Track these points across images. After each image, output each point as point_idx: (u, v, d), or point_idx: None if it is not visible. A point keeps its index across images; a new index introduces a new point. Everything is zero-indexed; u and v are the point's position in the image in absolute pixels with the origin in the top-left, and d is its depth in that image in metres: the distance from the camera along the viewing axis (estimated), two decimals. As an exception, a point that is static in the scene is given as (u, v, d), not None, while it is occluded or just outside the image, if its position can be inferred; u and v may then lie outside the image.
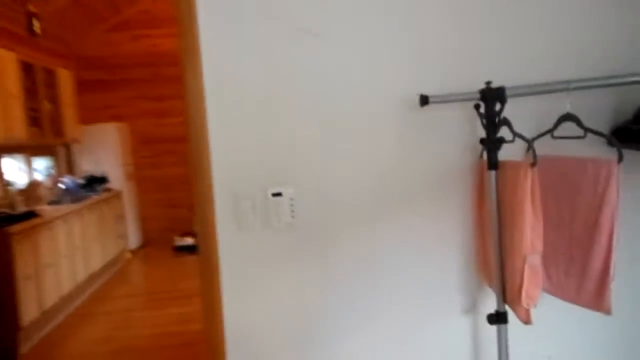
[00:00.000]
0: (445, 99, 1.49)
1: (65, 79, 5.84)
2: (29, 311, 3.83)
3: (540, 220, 1.41)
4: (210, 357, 1.70)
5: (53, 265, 4.29)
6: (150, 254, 6.31)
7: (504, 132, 1.56)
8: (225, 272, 1.67)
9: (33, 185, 5.22)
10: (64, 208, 4.72)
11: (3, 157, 4.80)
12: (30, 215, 4.15)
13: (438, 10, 1.65)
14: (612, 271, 1.39)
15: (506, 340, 1.57)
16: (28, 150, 5.30)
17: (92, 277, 5.16)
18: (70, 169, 6.26)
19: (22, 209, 4.47)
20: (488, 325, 1.70)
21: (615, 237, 1.38)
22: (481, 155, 1.72)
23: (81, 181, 5.66)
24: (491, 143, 1.51)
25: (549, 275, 1.60)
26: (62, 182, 5.48)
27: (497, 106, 1.49)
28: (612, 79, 1.45)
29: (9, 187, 4.76)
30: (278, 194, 1.65)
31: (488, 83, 1.48)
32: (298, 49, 1.63)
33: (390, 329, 1.76)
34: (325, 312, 1.73)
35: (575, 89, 1.44)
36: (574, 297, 1.50)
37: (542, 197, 1.54)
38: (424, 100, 1.48)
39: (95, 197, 5.45)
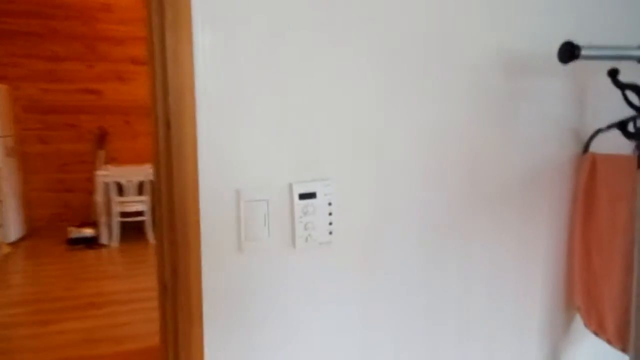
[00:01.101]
0: (605, 54, 0.95)
1: None
2: None
3: None
4: None
5: None
6: (37, 248, 5.16)
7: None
8: (211, 317, 1.00)
9: None
10: None
11: None
12: None
13: None
14: None
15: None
16: None
17: (-44, 279, 3.98)
18: None
19: None
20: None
21: None
22: (586, 148, 1.23)
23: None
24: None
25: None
26: None
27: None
28: None
29: None
30: (309, 196, 1.01)
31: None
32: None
33: (450, 395, 1.21)
34: (364, 377, 1.13)
35: None
36: None
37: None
38: (570, 52, 0.92)
39: (-38, 176, 4.23)
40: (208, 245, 0.98)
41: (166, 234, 0.98)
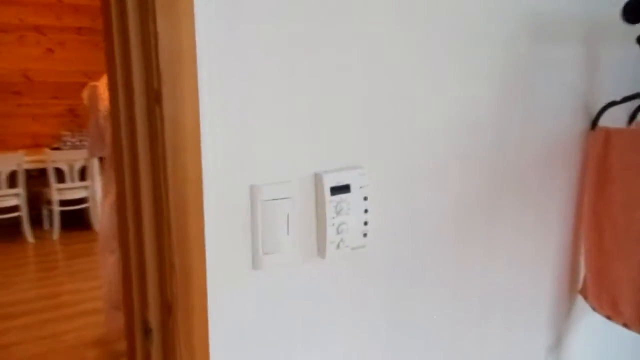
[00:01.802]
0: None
1: None
2: None
3: None
4: None
5: None
6: None
7: None
8: (219, 349, 0.73)
9: None
10: None
11: None
12: None
13: None
14: None
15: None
16: None
17: None
18: None
19: None
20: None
21: None
22: (595, 122, 1.15)
23: None
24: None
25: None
26: None
27: None
28: None
29: None
30: (342, 189, 0.78)
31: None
32: None
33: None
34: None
35: None
36: None
37: None
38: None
39: None
40: (214, 266, 0.70)
41: (151, 252, 0.68)
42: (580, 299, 1.25)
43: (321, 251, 0.79)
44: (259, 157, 0.72)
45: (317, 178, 0.77)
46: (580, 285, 1.24)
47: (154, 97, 0.62)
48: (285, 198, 0.74)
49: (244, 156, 0.71)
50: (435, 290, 0.96)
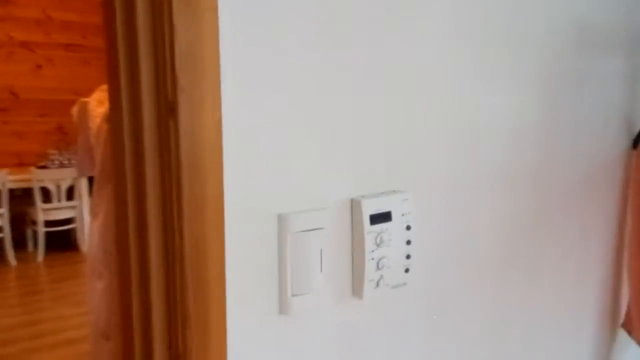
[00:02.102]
0: None
1: None
2: None
3: None
4: None
5: None
6: None
7: None
8: None
9: None
10: None
11: None
12: None
13: None
14: None
15: None
16: None
17: None
18: None
19: None
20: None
21: None
22: (637, 142, 1.06)
23: None
24: None
25: None
26: None
27: None
28: None
29: None
30: (383, 217, 0.66)
31: None
32: None
33: None
34: None
35: None
36: None
37: None
38: None
39: None
40: (235, 313, 0.58)
41: (158, 298, 0.56)
42: (623, 333, 1.14)
43: (357, 291, 0.67)
44: (288, 181, 0.60)
45: (355, 205, 0.65)
46: (622, 318, 1.13)
47: (168, 108, 0.51)
48: (318, 229, 0.62)
49: (271, 180, 0.59)
50: (475, 324, 0.84)
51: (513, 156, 0.84)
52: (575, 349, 1.07)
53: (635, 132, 1.06)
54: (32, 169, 4.20)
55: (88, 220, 3.55)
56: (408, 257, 0.69)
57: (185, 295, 0.53)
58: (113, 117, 0.56)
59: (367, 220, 0.65)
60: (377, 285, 0.67)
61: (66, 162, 4.40)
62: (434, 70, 0.71)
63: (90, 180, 3.10)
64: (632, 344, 1.10)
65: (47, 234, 4.24)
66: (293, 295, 0.61)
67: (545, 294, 0.97)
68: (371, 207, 0.65)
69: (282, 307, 0.61)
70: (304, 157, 0.61)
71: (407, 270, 0.69)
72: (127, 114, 0.55)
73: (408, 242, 0.69)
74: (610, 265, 1.09)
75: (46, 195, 4.16)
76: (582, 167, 0.96)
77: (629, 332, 1.11)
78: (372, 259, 0.66)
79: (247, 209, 0.58)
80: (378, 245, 0.66)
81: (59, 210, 4.23)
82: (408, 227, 0.68)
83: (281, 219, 0.60)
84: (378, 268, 0.66)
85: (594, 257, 1.06)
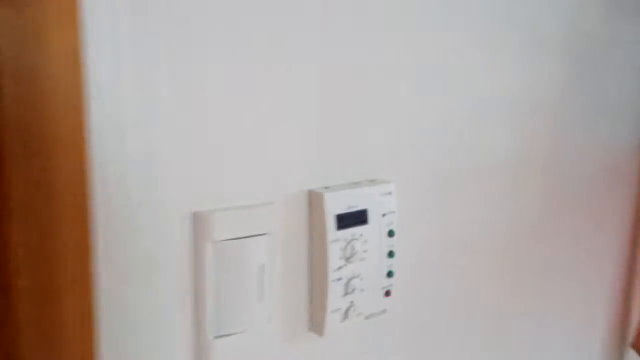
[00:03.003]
0: None
1: None
2: None
3: None
4: None
5: None
6: None
7: None
8: None
9: None
10: None
11: None
12: None
13: None
14: None
15: None
16: None
17: None
18: None
19: None
20: None
21: None
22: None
23: None
24: None
25: None
26: None
27: None
28: None
29: None
30: (355, 218, 0.45)
31: None
32: None
33: None
34: None
35: None
36: None
37: None
38: None
39: None
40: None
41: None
42: (632, 353, 0.97)
43: (317, 325, 0.46)
44: (210, 160, 0.39)
45: (315, 199, 0.44)
46: (632, 337, 0.97)
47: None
48: (257, 235, 0.41)
49: (179, 159, 0.37)
50: (474, 351, 0.64)
51: (521, 141, 0.64)
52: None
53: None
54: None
55: None
56: (390, 274, 0.48)
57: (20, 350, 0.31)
58: None
59: (331, 222, 0.43)
60: (346, 316, 0.46)
61: None
62: (424, 27, 0.51)
63: None
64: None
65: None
66: (216, 337, 0.40)
67: (551, 310, 0.78)
68: (338, 203, 0.44)
69: (200, 356, 0.40)
70: (237, 125, 0.40)
71: (387, 294, 0.49)
72: None
73: (390, 254, 0.48)
74: (621, 277, 0.92)
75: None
76: (597, 161, 0.78)
77: (639, 352, 0.95)
78: (339, 279, 0.45)
79: (137, 204, 0.36)
80: (348, 259, 0.45)
81: None
82: (391, 233, 0.48)
83: (198, 221, 0.38)
84: (347, 292, 0.45)
85: (603, 271, 0.88)
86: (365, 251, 0.46)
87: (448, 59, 0.54)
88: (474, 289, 0.62)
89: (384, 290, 0.49)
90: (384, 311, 0.49)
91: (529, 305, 0.73)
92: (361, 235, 0.46)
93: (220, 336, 0.40)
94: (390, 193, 0.47)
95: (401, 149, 0.51)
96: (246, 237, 0.40)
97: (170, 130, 0.37)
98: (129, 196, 0.35)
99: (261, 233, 0.41)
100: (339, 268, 0.45)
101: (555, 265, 0.77)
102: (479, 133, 0.59)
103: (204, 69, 0.38)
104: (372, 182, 0.48)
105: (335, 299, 0.45)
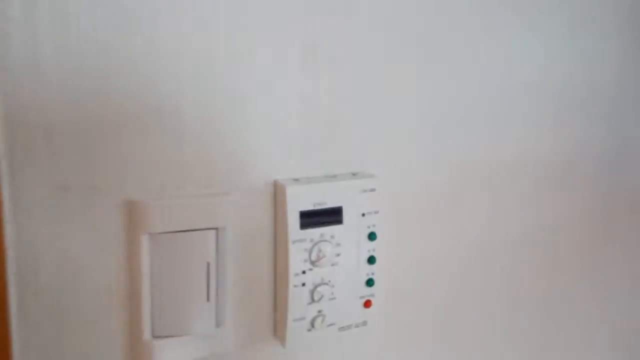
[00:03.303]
0: None
1: None
2: None
3: None
4: None
5: None
6: None
7: None
8: None
9: None
10: None
11: None
12: None
13: None
14: None
15: None
16: None
17: None
18: None
19: None
20: None
21: None
22: None
23: None
24: None
25: None
26: None
27: None
28: None
29: None
30: (326, 217, 0.39)
31: None
32: None
33: None
34: None
35: None
36: None
37: None
38: None
39: None
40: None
41: None
42: None
43: (280, 334, 0.41)
44: (151, 141, 0.35)
45: (279, 192, 0.39)
46: None
47: None
48: (204, 229, 0.36)
49: (115, 134, 0.33)
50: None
51: (563, 124, 0.54)
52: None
53: None
54: None
55: None
56: (370, 283, 0.42)
57: None
58: None
59: (294, 220, 0.38)
60: (312, 326, 0.40)
61: None
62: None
63: None
64: None
65: None
66: (156, 336, 0.36)
67: (580, 336, 0.67)
68: (305, 197, 0.38)
69: (136, 357, 0.37)
70: (182, 96, 0.35)
71: (367, 304, 0.43)
72: None
73: (371, 260, 0.42)
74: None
75: None
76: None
77: None
78: (303, 284, 0.39)
79: (62, 188, 0.32)
80: (314, 262, 0.39)
81: None
82: (372, 236, 0.41)
83: (132, 210, 0.35)
84: (313, 300, 0.40)
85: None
86: (337, 255, 0.40)
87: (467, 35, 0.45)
88: (482, 305, 0.54)
89: (363, 300, 0.42)
90: (364, 323, 0.43)
91: (552, 332, 0.63)
92: (332, 236, 0.40)
93: (160, 337, 0.37)
94: (373, 190, 0.41)
95: (397, 138, 0.44)
96: (190, 230, 0.36)
97: (102, 101, 0.33)
98: (53, 179, 0.32)
99: (210, 227, 0.37)
100: (303, 272, 0.39)
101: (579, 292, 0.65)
102: (502, 127, 0.50)
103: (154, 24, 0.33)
104: (353, 175, 0.41)
105: (297, 306, 0.39)
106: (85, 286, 0.34)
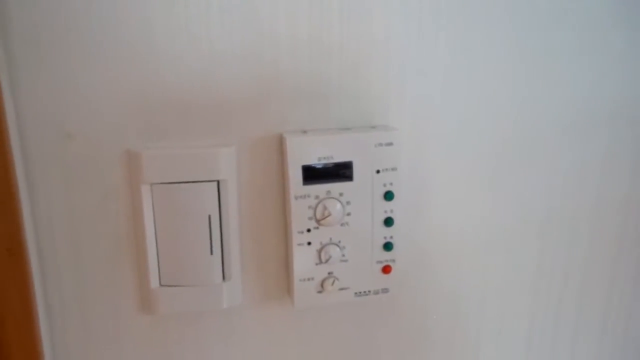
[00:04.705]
0: None
1: None
2: None
3: None
4: None
5: None
6: None
7: None
8: None
9: None
10: None
11: None
12: None
13: None
14: None
15: None
16: None
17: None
18: None
19: None
20: None
21: None
22: None
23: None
24: None
25: None
26: None
27: None
28: None
29: None
30: (333, 173, 0.36)
31: None
32: None
33: None
34: None
35: None
36: None
37: None
38: None
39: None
40: (54, 314, 0.36)
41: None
42: None
43: (290, 293, 0.39)
44: (154, 91, 0.34)
45: (283, 145, 0.37)
46: None
47: None
48: (206, 181, 0.36)
49: (116, 83, 0.34)
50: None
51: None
52: None
53: None
54: None
55: None
56: (388, 247, 0.38)
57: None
58: None
59: (296, 174, 0.35)
60: (322, 287, 0.38)
61: None
62: None
63: None
64: None
65: None
66: (163, 285, 0.37)
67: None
68: (309, 150, 0.35)
69: (145, 303, 0.38)
70: (183, 44, 0.34)
71: (386, 270, 0.39)
72: None
73: (388, 222, 0.38)
74: None
75: None
76: None
77: None
78: (308, 243, 0.37)
79: (65, 136, 0.34)
80: (319, 220, 0.36)
81: None
82: (388, 195, 0.37)
83: (133, 160, 0.35)
84: (321, 261, 0.37)
85: None
86: (348, 214, 0.37)
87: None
88: (500, 285, 0.47)
89: (381, 266, 0.39)
90: (385, 290, 0.40)
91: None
92: (341, 194, 0.36)
93: (167, 285, 0.37)
94: (390, 144, 0.36)
95: (427, 90, 0.39)
96: (191, 182, 0.36)
97: (95, 52, 0.33)
98: (56, 128, 0.34)
99: (211, 179, 0.36)
100: (308, 230, 0.37)
101: None
102: (552, 84, 0.41)
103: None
104: (368, 127, 0.37)
105: (303, 265, 0.37)
106: (96, 232, 0.36)
